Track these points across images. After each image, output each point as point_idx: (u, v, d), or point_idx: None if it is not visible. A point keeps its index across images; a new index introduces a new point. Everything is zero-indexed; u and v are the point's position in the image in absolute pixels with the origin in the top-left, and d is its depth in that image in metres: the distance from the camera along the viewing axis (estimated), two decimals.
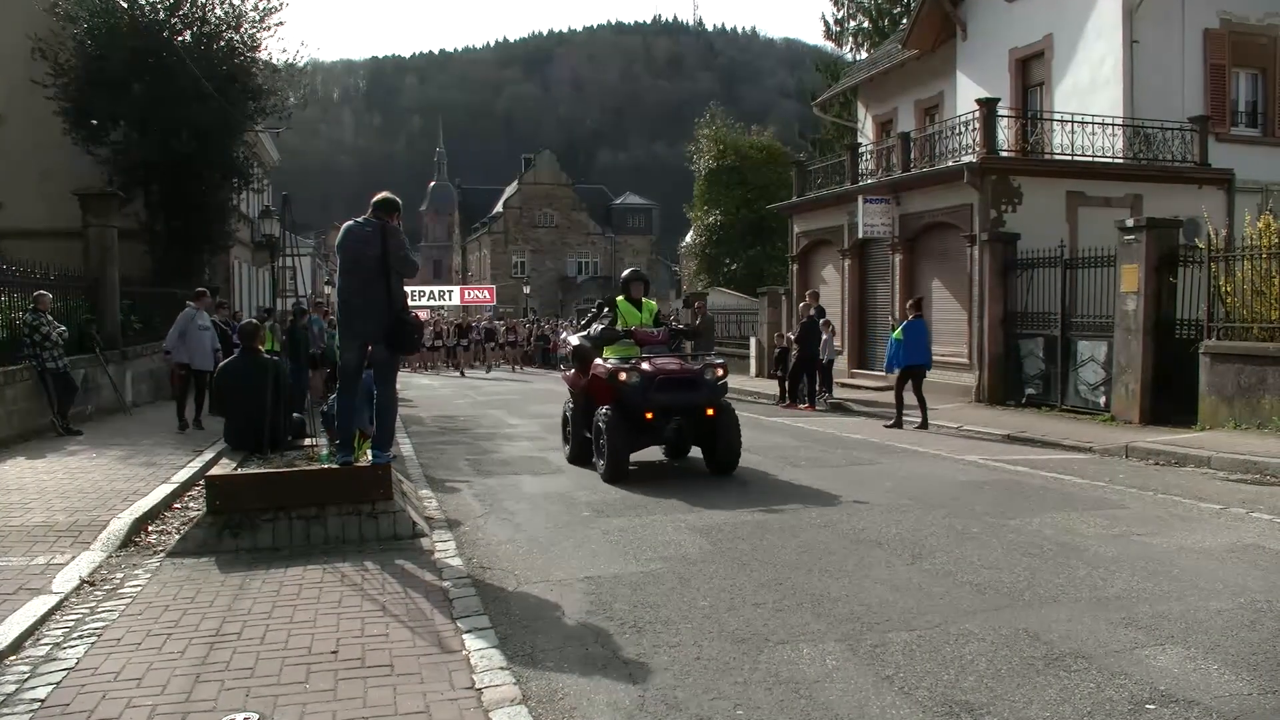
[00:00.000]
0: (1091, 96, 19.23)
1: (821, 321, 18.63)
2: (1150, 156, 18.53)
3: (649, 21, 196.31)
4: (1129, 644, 4.79)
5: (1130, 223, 14.66)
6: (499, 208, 77.55)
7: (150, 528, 7.83)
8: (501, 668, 4.55)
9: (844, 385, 20.67)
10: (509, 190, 78.32)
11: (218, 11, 21.78)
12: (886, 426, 14.78)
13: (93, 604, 5.67)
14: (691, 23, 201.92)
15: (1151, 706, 4.03)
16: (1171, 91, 18.97)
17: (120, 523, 7.53)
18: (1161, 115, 18.48)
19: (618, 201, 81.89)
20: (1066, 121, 18.27)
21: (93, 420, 14.06)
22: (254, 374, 8.66)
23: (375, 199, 7.54)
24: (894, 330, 15.42)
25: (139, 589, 5.95)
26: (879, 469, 10.66)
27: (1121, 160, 18.30)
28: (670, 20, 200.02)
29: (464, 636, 4.99)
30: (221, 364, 9.51)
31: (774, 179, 37.87)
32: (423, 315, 32.64)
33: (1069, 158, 18.06)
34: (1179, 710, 3.99)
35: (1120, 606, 5.40)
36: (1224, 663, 4.51)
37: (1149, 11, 18.66)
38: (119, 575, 6.31)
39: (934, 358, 15.73)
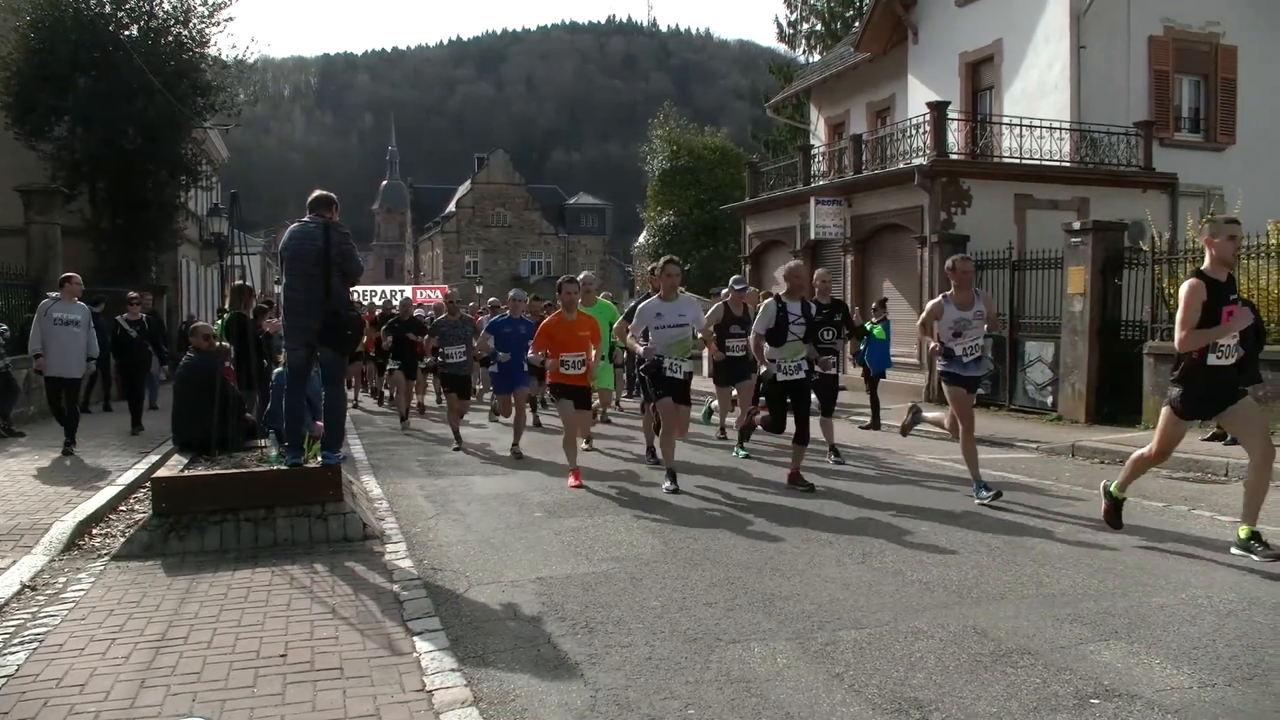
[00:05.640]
0: (1040, 100, 19.54)
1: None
2: (1096, 160, 18.85)
3: (603, 21, 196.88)
4: (1074, 640, 4.87)
5: (1077, 225, 14.89)
6: (451, 207, 77.19)
7: (94, 530, 7.69)
8: (453, 669, 4.52)
9: None
10: (462, 189, 77.99)
11: (165, 6, 21.56)
12: (863, 428, 14.59)
13: (34, 609, 5.56)
14: (645, 23, 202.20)
15: (1095, 701, 4.10)
16: (1117, 96, 19.31)
17: (63, 526, 7.39)
18: (1107, 120, 18.80)
19: (571, 201, 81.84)
20: (1015, 125, 18.53)
21: (35, 422, 13.77)
22: (208, 375, 8.54)
23: (310, 198, 7.45)
24: (873, 327, 15.13)
25: (82, 593, 5.84)
26: (829, 469, 10.73)
27: (1068, 164, 18.60)
28: (624, 20, 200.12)
29: (415, 639, 4.95)
30: (182, 362, 9.39)
31: (727, 180, 37.94)
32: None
33: (1017, 161, 18.32)
34: (1122, 704, 4.06)
35: (1066, 603, 5.48)
36: (1165, 657, 4.60)
37: (1095, 18, 18.99)
38: (62, 579, 6.19)
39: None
